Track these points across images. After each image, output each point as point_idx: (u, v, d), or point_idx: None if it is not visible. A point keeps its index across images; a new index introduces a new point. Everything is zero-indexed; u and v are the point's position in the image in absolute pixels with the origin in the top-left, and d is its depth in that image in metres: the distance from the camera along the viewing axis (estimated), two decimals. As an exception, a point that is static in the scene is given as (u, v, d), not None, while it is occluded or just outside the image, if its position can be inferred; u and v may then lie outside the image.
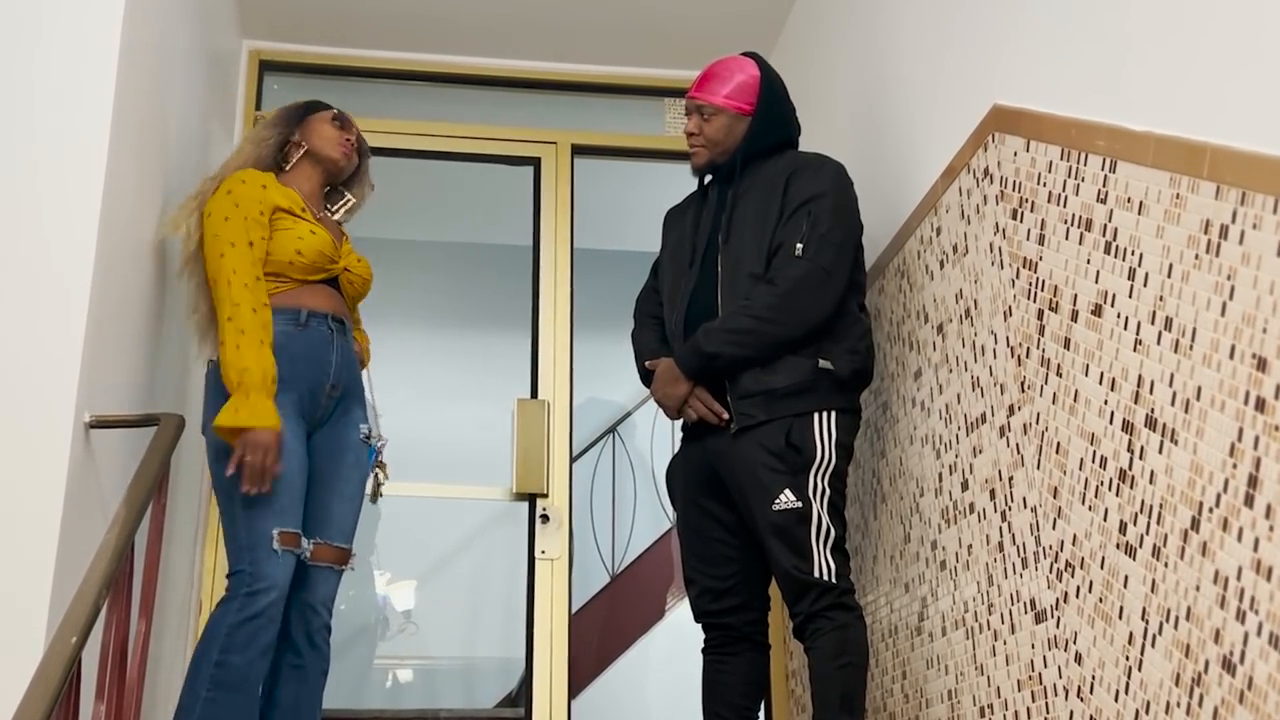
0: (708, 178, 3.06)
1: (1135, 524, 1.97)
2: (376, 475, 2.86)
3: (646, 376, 2.98)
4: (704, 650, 2.90)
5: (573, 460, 4.09)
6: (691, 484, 2.89)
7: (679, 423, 2.95)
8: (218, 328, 2.56)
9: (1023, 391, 2.37)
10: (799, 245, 2.75)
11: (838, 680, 2.59)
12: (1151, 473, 1.93)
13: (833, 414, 2.73)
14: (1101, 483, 2.08)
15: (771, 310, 2.73)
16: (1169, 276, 1.90)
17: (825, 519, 2.66)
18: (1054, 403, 2.25)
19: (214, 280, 2.59)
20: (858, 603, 2.71)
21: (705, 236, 2.94)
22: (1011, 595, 2.39)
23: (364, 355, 2.98)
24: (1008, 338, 2.44)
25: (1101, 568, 2.06)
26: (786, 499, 2.65)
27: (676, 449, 3.03)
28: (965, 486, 2.61)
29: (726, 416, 2.76)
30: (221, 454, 2.50)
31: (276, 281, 2.68)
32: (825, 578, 2.63)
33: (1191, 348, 1.83)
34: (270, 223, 2.69)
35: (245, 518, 2.50)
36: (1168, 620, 1.86)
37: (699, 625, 2.91)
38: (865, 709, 2.69)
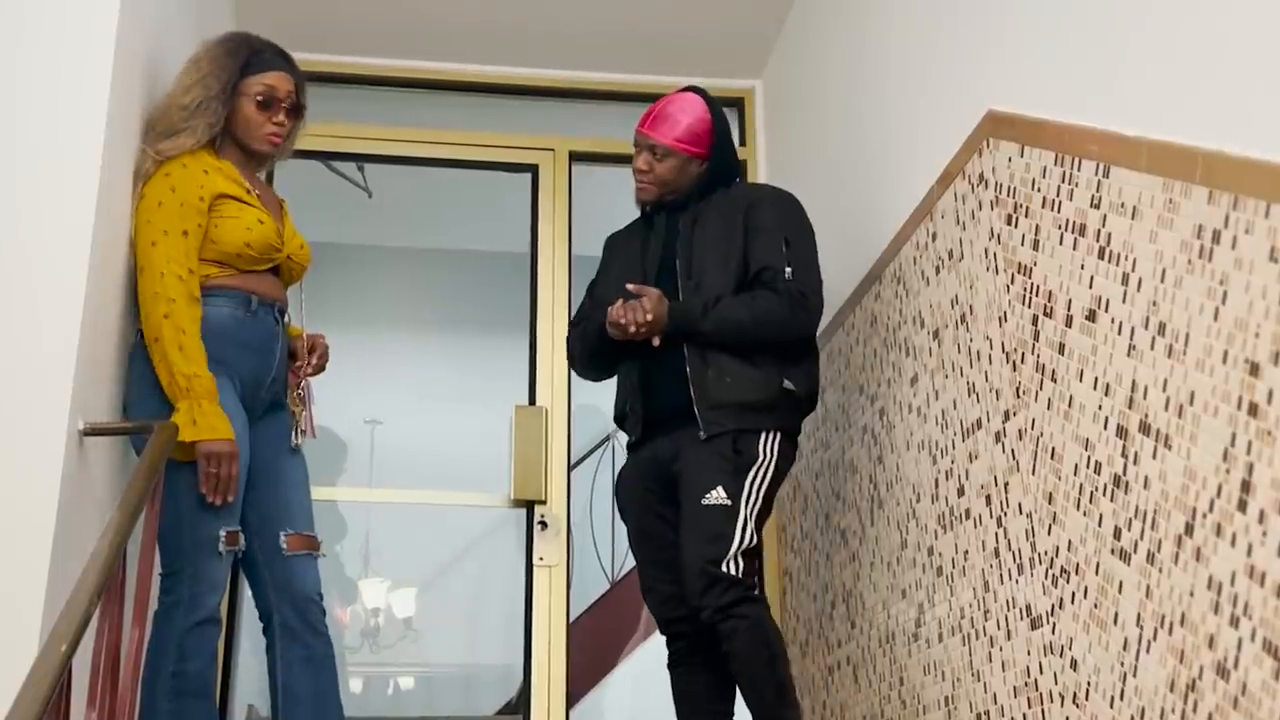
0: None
1: (1130, 529, 1.96)
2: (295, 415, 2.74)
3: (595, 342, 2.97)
4: (669, 664, 2.90)
5: (571, 467, 4.09)
6: (647, 492, 2.91)
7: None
8: (146, 320, 2.47)
9: (1018, 397, 2.37)
10: (788, 269, 2.84)
11: (769, 676, 2.63)
12: (1145, 478, 1.92)
13: (779, 435, 2.80)
14: (1096, 488, 2.07)
15: (770, 316, 2.80)
16: (1162, 281, 1.89)
17: (750, 524, 2.69)
18: (1049, 408, 2.25)
19: (144, 268, 2.50)
20: (763, 595, 2.74)
21: (655, 264, 2.97)
22: (1007, 601, 2.39)
23: (317, 344, 2.84)
24: (1003, 343, 2.44)
25: (1096, 573, 2.06)
26: (718, 495, 2.69)
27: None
28: (961, 492, 2.60)
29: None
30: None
31: (220, 269, 2.59)
32: (733, 573, 2.64)
33: (1185, 353, 1.82)
34: (213, 209, 2.58)
35: (192, 516, 2.44)
36: (1162, 626, 1.86)
37: (664, 637, 2.92)
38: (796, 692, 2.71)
